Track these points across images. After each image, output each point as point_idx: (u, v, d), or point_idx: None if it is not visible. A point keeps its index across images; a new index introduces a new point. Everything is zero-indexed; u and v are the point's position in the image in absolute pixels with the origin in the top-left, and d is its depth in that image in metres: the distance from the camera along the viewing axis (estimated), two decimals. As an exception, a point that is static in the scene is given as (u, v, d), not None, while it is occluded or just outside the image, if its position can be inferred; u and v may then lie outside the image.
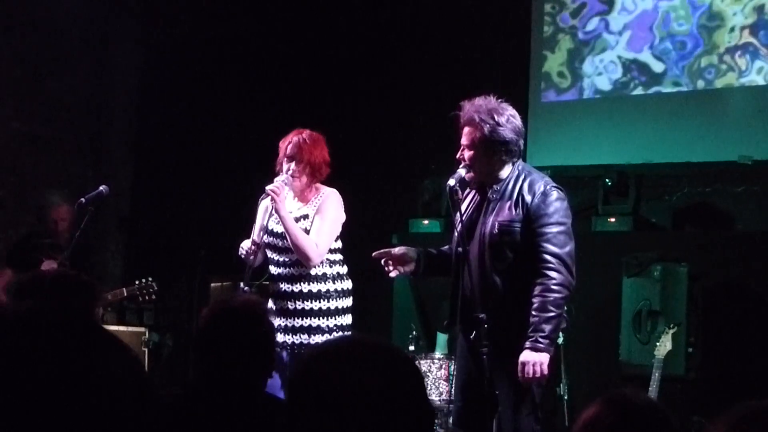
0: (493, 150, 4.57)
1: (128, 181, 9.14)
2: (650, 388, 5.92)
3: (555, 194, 4.56)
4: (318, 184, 5.32)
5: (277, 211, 5.15)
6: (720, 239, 7.02)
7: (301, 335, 5.21)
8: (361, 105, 8.85)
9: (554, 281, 4.43)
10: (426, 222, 7.94)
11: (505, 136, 4.56)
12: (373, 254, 4.76)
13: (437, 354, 6.74)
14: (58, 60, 8.62)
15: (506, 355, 4.43)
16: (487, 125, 4.54)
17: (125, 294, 6.72)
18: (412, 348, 6.94)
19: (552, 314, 4.41)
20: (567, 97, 8.09)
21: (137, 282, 6.64)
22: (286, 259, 5.26)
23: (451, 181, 4.60)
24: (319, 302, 5.22)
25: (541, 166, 6.24)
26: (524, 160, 4.86)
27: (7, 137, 8.34)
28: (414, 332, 7.15)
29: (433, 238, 7.02)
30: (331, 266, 5.28)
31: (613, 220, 7.29)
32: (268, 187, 5.19)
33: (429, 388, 6.54)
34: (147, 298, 6.65)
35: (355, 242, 5.74)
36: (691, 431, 5.95)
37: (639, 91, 7.79)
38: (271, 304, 5.28)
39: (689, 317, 6.52)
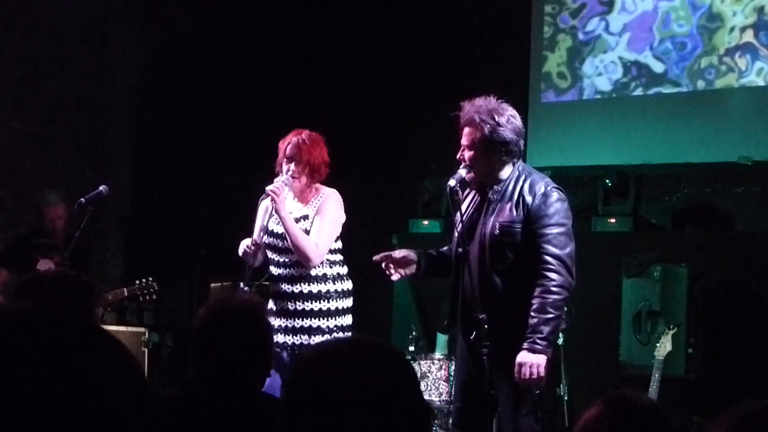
0: (494, 150, 4.57)
1: (128, 181, 9.14)
2: (650, 389, 5.92)
3: (555, 195, 4.56)
4: (318, 185, 5.32)
5: (277, 212, 5.15)
6: (720, 240, 7.02)
7: (302, 336, 5.21)
8: (361, 105, 8.86)
9: (554, 282, 4.43)
10: (426, 222, 7.94)
11: (505, 136, 4.56)
12: (374, 258, 4.76)
13: (437, 354, 6.73)
14: (58, 60, 8.62)
15: (506, 355, 4.42)
16: (488, 125, 4.54)
17: (126, 294, 6.72)
18: (412, 348, 6.94)
19: (551, 316, 4.41)
20: (567, 98, 8.09)
21: (138, 282, 6.64)
22: (287, 260, 5.26)
23: (452, 182, 4.60)
24: (320, 303, 5.22)
25: (541, 166, 6.24)
26: (524, 161, 4.86)
27: (7, 137, 8.34)
28: (414, 333, 7.15)
29: (433, 239, 7.02)
30: (331, 267, 5.28)
31: (613, 220, 7.29)
32: (268, 188, 5.19)
33: (429, 388, 6.54)
34: (147, 298, 6.65)
35: (355, 242, 5.74)
36: (691, 431, 5.95)
37: (639, 91, 7.79)
38: (271, 304, 5.28)
39: (689, 318, 6.52)
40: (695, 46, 7.55)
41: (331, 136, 5.42)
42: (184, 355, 8.15)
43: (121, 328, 7.48)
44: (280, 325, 5.22)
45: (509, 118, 4.59)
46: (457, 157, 4.66)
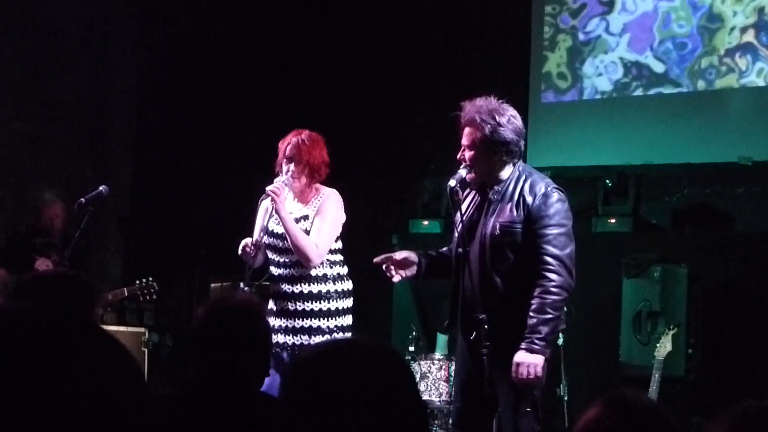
0: (494, 150, 4.56)
1: (128, 181, 9.13)
2: (650, 389, 5.91)
3: (556, 196, 4.56)
4: (318, 185, 5.31)
5: (277, 212, 5.15)
6: (720, 240, 7.02)
7: (302, 336, 5.21)
8: (361, 105, 8.85)
9: (553, 283, 4.43)
10: (426, 222, 7.94)
11: (506, 136, 4.56)
12: (374, 260, 4.76)
13: (437, 355, 6.73)
14: (58, 60, 8.61)
15: (506, 355, 4.43)
16: (489, 125, 4.54)
17: (126, 294, 6.72)
18: (412, 348, 6.94)
19: (549, 316, 4.41)
20: (567, 98, 8.09)
21: (138, 282, 6.64)
22: (287, 260, 5.25)
23: (452, 182, 4.60)
24: (320, 303, 5.22)
25: (541, 166, 6.24)
26: (524, 161, 4.85)
27: (7, 137, 8.33)
28: (414, 333, 7.15)
29: (432, 239, 7.02)
30: (331, 267, 5.28)
31: (613, 221, 7.29)
32: (268, 188, 5.18)
33: (429, 388, 6.54)
34: (148, 297, 6.64)
35: (355, 243, 5.74)
36: (691, 431, 5.95)
37: (639, 92, 7.79)
38: (271, 304, 5.28)
39: (689, 318, 6.52)
40: (695, 47, 7.55)
41: (331, 136, 5.42)
42: (184, 355, 8.15)
43: (121, 328, 7.47)
44: (280, 326, 5.22)
45: (510, 118, 4.59)
46: (458, 157, 4.66)
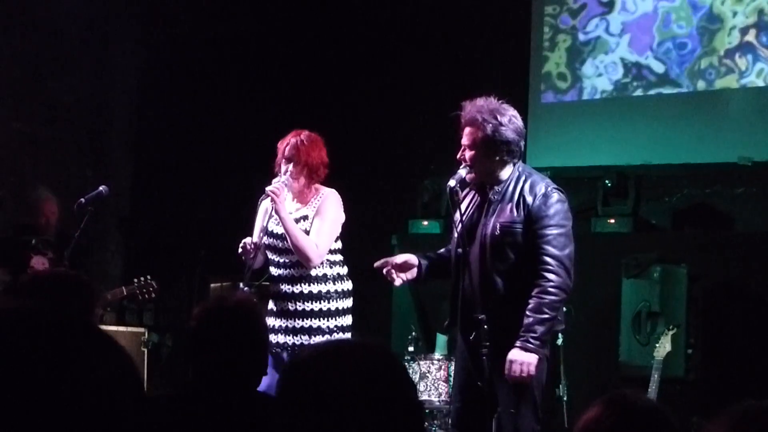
0: (495, 150, 4.57)
1: (128, 181, 9.13)
2: (650, 390, 5.91)
3: (556, 196, 4.56)
4: (317, 185, 5.31)
5: (277, 212, 5.14)
6: (720, 240, 7.02)
7: (302, 336, 5.21)
8: (361, 105, 8.85)
9: (552, 283, 4.44)
10: (426, 223, 7.94)
11: (507, 136, 4.57)
12: (375, 265, 4.77)
13: (437, 355, 6.73)
14: (58, 60, 8.61)
15: (506, 355, 4.44)
16: (490, 125, 4.54)
17: (124, 293, 6.71)
18: (411, 349, 6.93)
19: (546, 316, 4.42)
20: (567, 98, 8.09)
21: (136, 280, 6.63)
22: (287, 261, 5.25)
23: (452, 182, 4.60)
24: (320, 303, 5.22)
25: (541, 167, 6.24)
26: (524, 161, 4.86)
27: (7, 137, 8.33)
28: (413, 333, 7.15)
29: (432, 239, 7.02)
30: (331, 267, 5.28)
31: (612, 221, 7.29)
32: (268, 188, 5.18)
33: (428, 389, 6.54)
34: (146, 296, 6.63)
35: (355, 243, 5.74)
36: (690, 432, 5.95)
37: (639, 92, 7.80)
38: (271, 305, 5.28)
39: (689, 318, 6.52)
40: (695, 47, 7.55)
41: (331, 136, 5.42)
42: (184, 355, 8.15)
43: (121, 329, 7.46)
44: (280, 326, 5.22)
45: (511, 118, 4.60)
46: (458, 157, 4.66)
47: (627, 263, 6.79)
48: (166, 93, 8.71)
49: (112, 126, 9.10)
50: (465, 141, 4.62)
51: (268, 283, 5.41)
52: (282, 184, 5.17)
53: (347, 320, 5.29)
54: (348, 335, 5.25)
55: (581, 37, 8.02)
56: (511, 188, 4.59)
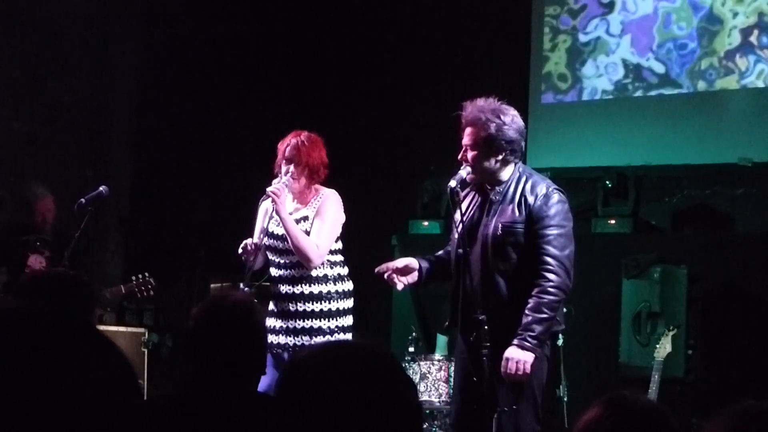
0: (497, 149, 4.57)
1: (128, 181, 9.14)
2: (650, 390, 5.91)
3: (557, 197, 4.57)
4: (317, 185, 5.31)
5: (277, 213, 5.14)
6: (720, 241, 7.02)
7: (303, 337, 5.20)
8: (361, 105, 8.85)
9: (551, 283, 4.45)
10: (426, 223, 7.94)
11: (509, 135, 4.57)
12: (375, 270, 4.77)
13: (437, 355, 6.73)
14: (58, 60, 8.62)
15: (506, 355, 4.45)
16: (494, 123, 4.55)
17: (123, 291, 6.71)
18: (411, 349, 6.93)
19: (544, 316, 4.43)
20: (567, 99, 8.09)
21: (134, 278, 6.62)
22: (287, 261, 5.25)
23: (452, 182, 4.60)
24: (320, 304, 5.22)
25: (541, 167, 6.24)
26: (524, 162, 4.86)
27: (7, 137, 8.34)
28: (414, 333, 7.14)
29: (432, 240, 7.01)
30: (331, 267, 5.27)
31: (612, 221, 7.29)
32: (268, 189, 5.18)
33: (428, 389, 6.54)
34: (145, 294, 6.62)
35: (355, 243, 5.74)
36: (690, 433, 5.95)
37: (639, 93, 7.79)
38: (272, 306, 5.28)
39: (689, 319, 6.52)
40: (696, 48, 7.55)
41: (331, 137, 5.42)
42: (183, 355, 8.15)
43: (121, 329, 7.45)
44: (281, 326, 5.22)
45: (513, 118, 4.61)
46: (459, 157, 4.66)
47: (627, 264, 6.79)
48: (166, 93, 8.71)
49: (112, 126, 9.10)
50: (466, 141, 4.62)
51: (268, 284, 5.41)
52: (282, 185, 5.17)
53: (348, 321, 5.29)
54: (349, 336, 5.25)
55: (581, 37, 8.02)
56: (512, 188, 4.59)
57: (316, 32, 8.96)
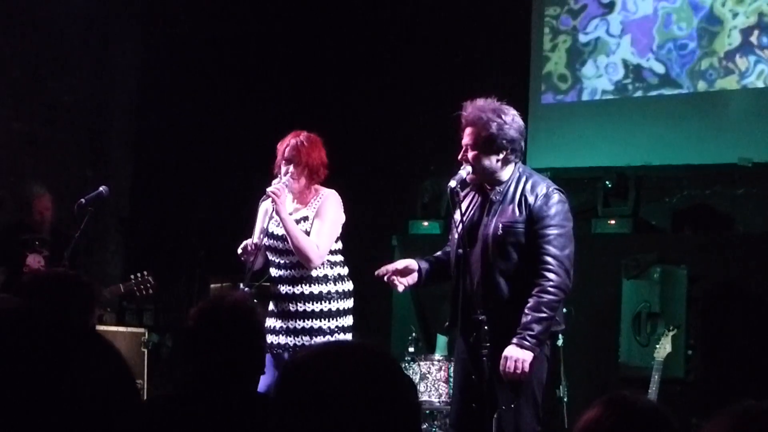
0: (498, 149, 4.57)
1: (128, 181, 9.14)
2: (650, 390, 5.91)
3: (557, 197, 4.57)
4: (317, 186, 5.31)
5: (277, 213, 5.14)
6: (720, 241, 7.02)
7: (303, 337, 5.20)
8: (361, 105, 8.85)
9: (551, 283, 4.45)
10: (426, 223, 7.94)
11: (510, 134, 4.58)
12: (376, 273, 4.77)
13: (437, 356, 6.73)
14: (58, 60, 8.62)
15: (506, 356, 4.44)
16: (494, 123, 4.55)
17: (122, 290, 6.70)
18: (411, 349, 6.93)
19: (544, 315, 4.43)
20: (567, 99, 8.09)
21: (133, 277, 6.62)
22: (287, 261, 5.25)
23: (453, 182, 4.60)
24: (320, 304, 5.22)
25: (541, 167, 6.25)
26: (524, 162, 4.87)
27: (7, 137, 8.34)
28: (414, 334, 7.14)
29: (432, 240, 7.01)
30: (332, 267, 5.27)
31: (612, 222, 7.29)
32: (268, 189, 5.18)
33: (428, 389, 6.54)
34: (144, 292, 6.62)
35: (355, 243, 5.74)
36: (690, 433, 5.95)
37: (639, 93, 7.79)
38: (272, 306, 5.27)
39: (689, 319, 6.52)
40: (696, 48, 7.55)
41: (331, 137, 5.42)
42: (182, 355, 8.14)
43: (121, 329, 7.46)
44: (281, 327, 5.22)
45: (513, 117, 4.61)
46: (459, 157, 4.66)
47: (627, 264, 6.79)
48: (166, 93, 8.71)
49: (112, 126, 9.11)
50: (467, 141, 4.62)
51: (268, 284, 5.41)
52: (282, 185, 5.17)
53: (348, 321, 5.29)
54: (349, 336, 5.25)
55: (581, 38, 8.02)
56: (512, 188, 4.60)
57: (316, 32, 8.96)
